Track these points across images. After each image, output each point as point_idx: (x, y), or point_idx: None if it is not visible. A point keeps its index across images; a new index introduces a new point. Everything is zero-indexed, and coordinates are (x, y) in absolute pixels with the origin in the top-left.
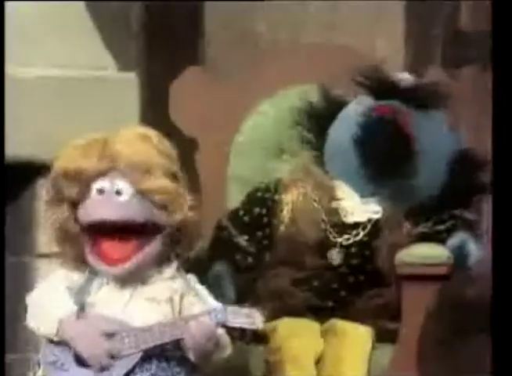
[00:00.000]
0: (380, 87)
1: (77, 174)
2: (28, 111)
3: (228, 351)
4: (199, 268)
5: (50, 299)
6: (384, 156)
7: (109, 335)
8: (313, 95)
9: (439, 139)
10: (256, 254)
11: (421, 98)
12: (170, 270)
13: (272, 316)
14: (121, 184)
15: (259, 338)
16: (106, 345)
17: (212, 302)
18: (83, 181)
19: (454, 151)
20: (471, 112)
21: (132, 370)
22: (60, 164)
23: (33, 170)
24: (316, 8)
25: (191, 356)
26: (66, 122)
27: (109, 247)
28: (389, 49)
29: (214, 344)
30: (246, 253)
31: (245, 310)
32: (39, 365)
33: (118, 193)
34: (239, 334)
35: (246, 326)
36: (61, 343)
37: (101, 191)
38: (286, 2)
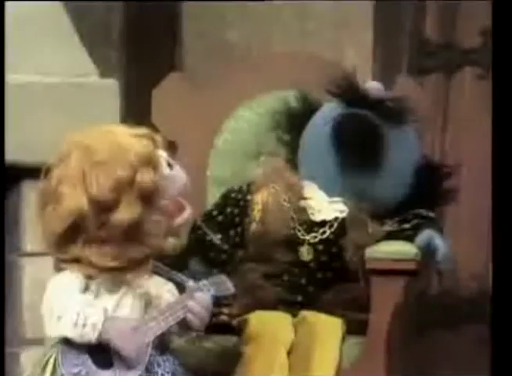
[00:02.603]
0: (351, 96)
1: (152, 160)
2: (12, 117)
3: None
4: (175, 266)
5: (81, 305)
6: (354, 147)
7: (136, 330)
8: (290, 99)
9: (406, 147)
10: (229, 251)
11: (391, 110)
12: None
13: (246, 310)
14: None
15: (233, 329)
16: (142, 339)
17: (189, 280)
18: (154, 164)
19: (419, 160)
20: (435, 119)
21: (152, 365)
22: (131, 156)
23: (18, 172)
24: (287, 18)
25: (191, 332)
26: (49, 127)
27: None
28: (357, 58)
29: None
30: (220, 251)
31: (219, 279)
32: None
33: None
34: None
35: (227, 293)
36: (76, 352)
37: (169, 164)
38: (259, 12)
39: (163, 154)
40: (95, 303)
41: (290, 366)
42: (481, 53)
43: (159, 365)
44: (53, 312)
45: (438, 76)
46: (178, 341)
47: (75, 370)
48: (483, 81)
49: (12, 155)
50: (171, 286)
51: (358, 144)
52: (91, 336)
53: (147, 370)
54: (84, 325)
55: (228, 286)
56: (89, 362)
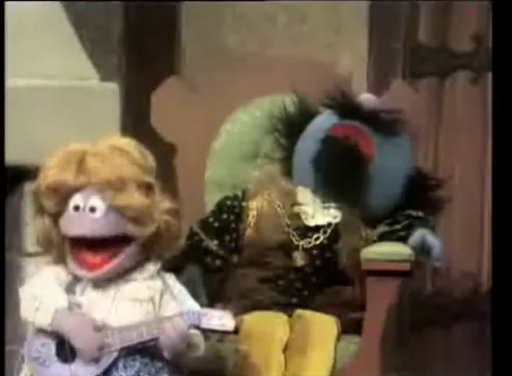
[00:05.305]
0: (345, 108)
1: (55, 188)
2: (15, 119)
3: (201, 349)
4: (173, 271)
5: (44, 291)
6: (338, 177)
7: (99, 330)
8: (287, 103)
9: (398, 158)
10: (225, 257)
11: (384, 121)
12: (150, 270)
13: (242, 312)
14: (95, 201)
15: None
16: (99, 339)
17: (189, 302)
18: (61, 195)
19: (411, 170)
20: (429, 122)
21: (112, 368)
22: (41, 176)
23: (20, 174)
24: (284, 23)
25: (165, 354)
26: (51, 130)
27: (87, 254)
28: (352, 62)
29: (187, 343)
30: (216, 256)
31: (217, 313)
32: (23, 359)
33: (92, 210)
34: (211, 334)
35: (217, 328)
36: (44, 339)
37: (76, 208)
38: (255, 18)
39: (76, 198)
40: (67, 298)
41: (286, 363)
42: (474, 57)
43: (121, 369)
44: (21, 295)
45: (432, 80)
46: None
47: (35, 355)
48: (476, 84)
49: (12, 156)
50: (191, 306)
51: (346, 170)
52: (42, 321)
53: (106, 372)
54: (37, 309)
55: (224, 323)
56: (52, 352)
